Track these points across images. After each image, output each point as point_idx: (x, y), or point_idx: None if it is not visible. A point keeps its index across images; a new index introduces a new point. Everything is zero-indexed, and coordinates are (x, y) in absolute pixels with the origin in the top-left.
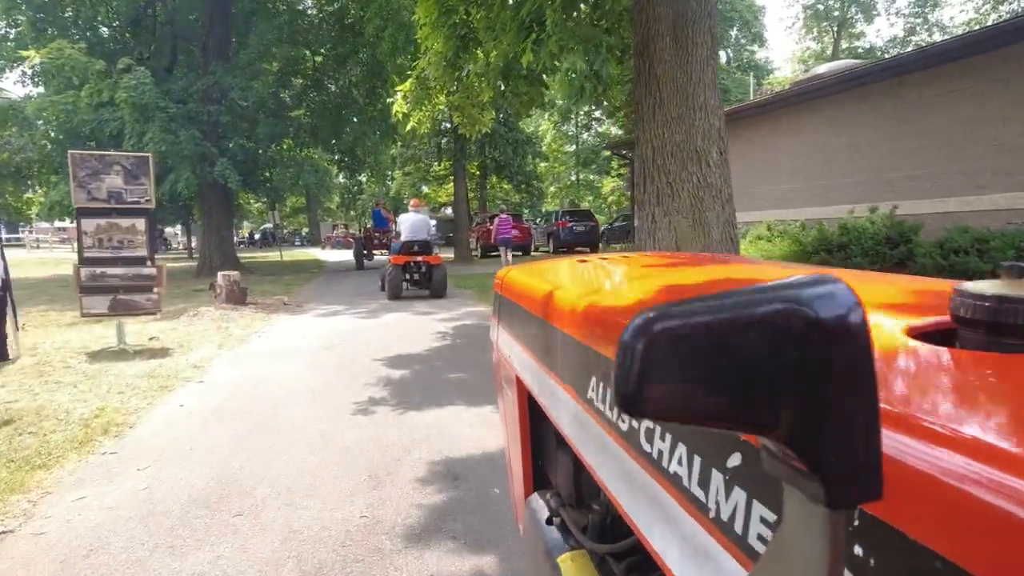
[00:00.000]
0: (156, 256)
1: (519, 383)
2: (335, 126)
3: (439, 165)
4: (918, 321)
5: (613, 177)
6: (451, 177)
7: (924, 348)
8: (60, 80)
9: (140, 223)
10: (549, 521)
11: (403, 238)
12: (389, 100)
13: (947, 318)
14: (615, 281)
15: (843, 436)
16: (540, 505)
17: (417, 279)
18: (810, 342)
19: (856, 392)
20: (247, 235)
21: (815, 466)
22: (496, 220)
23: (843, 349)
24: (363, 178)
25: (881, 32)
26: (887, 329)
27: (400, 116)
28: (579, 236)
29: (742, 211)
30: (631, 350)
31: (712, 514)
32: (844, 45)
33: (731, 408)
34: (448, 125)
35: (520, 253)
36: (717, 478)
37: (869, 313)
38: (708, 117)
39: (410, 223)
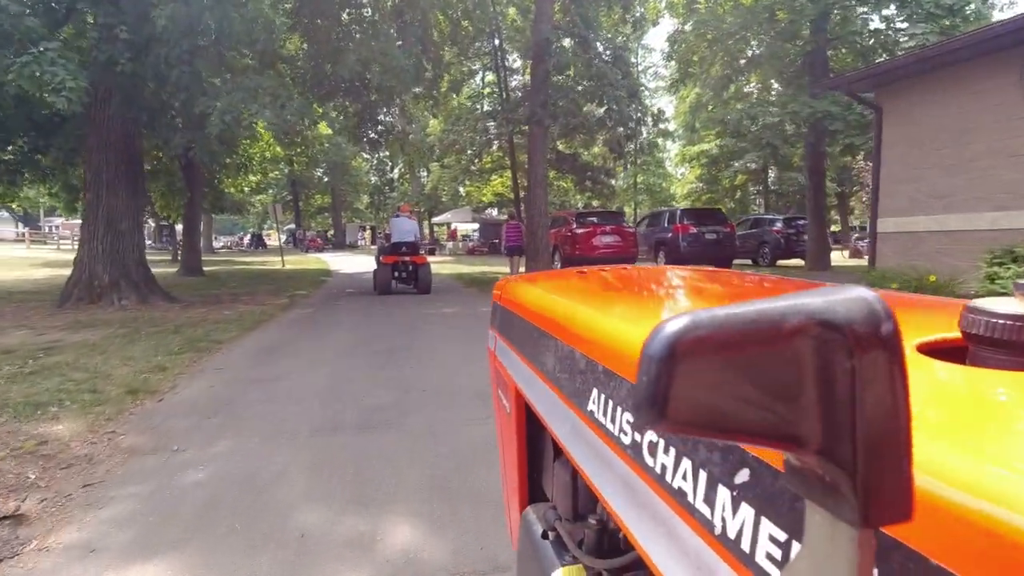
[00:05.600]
0: None
1: (517, 394)
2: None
3: (482, 158)
4: (927, 337)
5: (689, 174)
6: (497, 172)
7: (935, 364)
8: None
9: None
10: (544, 536)
11: (392, 240)
12: None
13: (957, 335)
14: (617, 293)
15: (875, 451)
16: (535, 519)
17: (404, 277)
18: (842, 353)
19: (889, 405)
20: (253, 236)
21: (846, 483)
22: (504, 227)
23: (876, 360)
24: (395, 174)
25: None
26: None
27: None
28: (708, 247)
29: None
30: (655, 360)
31: (718, 531)
32: None
33: (759, 421)
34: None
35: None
36: (723, 494)
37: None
38: None
39: (399, 227)
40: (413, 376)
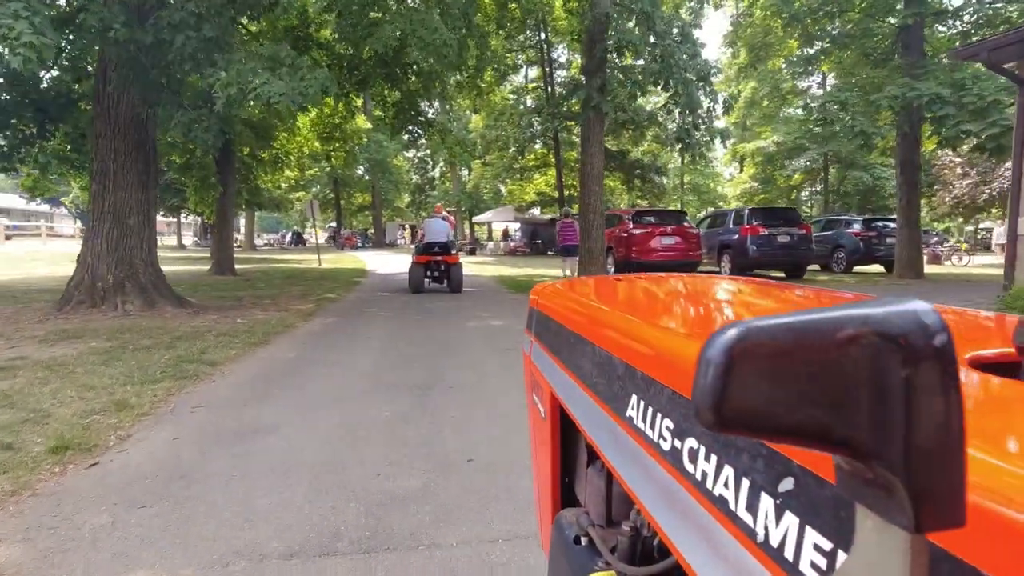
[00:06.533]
0: None
1: (552, 399)
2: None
3: (525, 156)
4: (980, 351)
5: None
6: (540, 169)
7: (985, 378)
8: None
9: None
10: (577, 541)
11: (425, 240)
12: None
13: (1010, 350)
14: (656, 299)
15: (929, 457)
16: (568, 523)
17: (437, 276)
18: (896, 362)
19: (943, 414)
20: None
21: (899, 487)
22: (559, 225)
23: (930, 370)
24: (436, 173)
25: None
26: None
27: None
28: (781, 251)
29: None
30: (713, 365)
31: (760, 539)
32: None
33: (812, 425)
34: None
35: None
36: (766, 502)
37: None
38: None
39: (432, 227)
40: (455, 436)
